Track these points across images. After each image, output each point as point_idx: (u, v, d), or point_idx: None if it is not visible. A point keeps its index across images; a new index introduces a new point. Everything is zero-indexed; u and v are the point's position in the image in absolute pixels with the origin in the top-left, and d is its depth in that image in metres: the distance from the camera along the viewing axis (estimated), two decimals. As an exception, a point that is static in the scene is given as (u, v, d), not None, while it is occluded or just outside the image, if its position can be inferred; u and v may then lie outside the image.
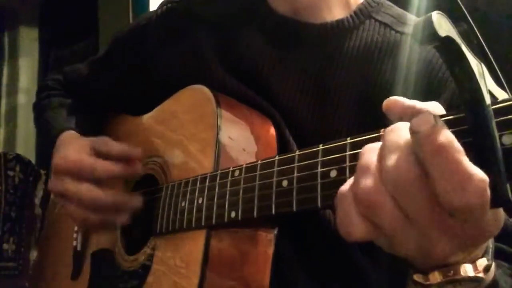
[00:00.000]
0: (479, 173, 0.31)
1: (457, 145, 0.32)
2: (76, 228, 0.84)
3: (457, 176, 0.31)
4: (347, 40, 0.69)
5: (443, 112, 0.38)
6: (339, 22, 0.70)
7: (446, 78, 0.65)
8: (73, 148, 0.71)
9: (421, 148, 0.32)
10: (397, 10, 0.73)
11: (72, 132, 0.80)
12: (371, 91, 0.66)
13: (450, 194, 0.32)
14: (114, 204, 0.66)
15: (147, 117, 0.79)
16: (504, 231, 0.58)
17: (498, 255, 0.57)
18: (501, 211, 0.35)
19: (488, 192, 0.32)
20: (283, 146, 0.65)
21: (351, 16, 0.70)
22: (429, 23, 0.33)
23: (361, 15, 0.71)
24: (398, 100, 0.39)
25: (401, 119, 0.38)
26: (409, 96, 0.64)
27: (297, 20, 0.71)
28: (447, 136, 0.32)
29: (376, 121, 0.64)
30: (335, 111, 0.67)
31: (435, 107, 0.38)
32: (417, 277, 0.39)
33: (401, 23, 0.70)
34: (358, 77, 0.67)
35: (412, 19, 0.71)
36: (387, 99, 0.39)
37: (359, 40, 0.69)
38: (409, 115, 0.37)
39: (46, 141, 0.84)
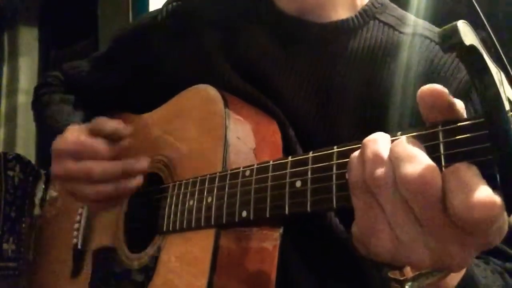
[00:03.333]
0: (487, 191, 0.33)
1: (471, 166, 0.34)
2: (79, 216, 0.82)
3: (466, 191, 0.34)
4: (351, 40, 0.70)
5: (464, 110, 0.38)
6: (344, 22, 0.70)
7: (448, 78, 0.66)
8: (71, 131, 0.70)
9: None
10: (400, 11, 0.74)
11: (73, 127, 0.77)
12: (375, 91, 0.67)
13: (457, 207, 0.34)
14: (124, 169, 0.65)
15: (151, 115, 0.79)
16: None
17: (495, 253, 0.58)
18: (506, 220, 0.36)
19: (496, 209, 0.33)
20: (287, 145, 0.65)
21: (356, 16, 0.71)
22: (455, 32, 0.34)
23: (366, 15, 0.71)
24: (437, 89, 0.38)
25: (434, 106, 0.38)
26: (411, 94, 0.65)
27: (302, 20, 0.71)
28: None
29: (379, 121, 0.66)
30: (339, 110, 0.68)
31: (462, 106, 0.39)
32: (393, 274, 0.40)
33: (403, 24, 0.71)
34: (361, 76, 0.68)
35: (414, 20, 0.72)
36: (424, 87, 0.38)
37: (363, 40, 0.70)
38: (444, 105, 0.38)
39: (50, 136, 0.81)
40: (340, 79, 0.68)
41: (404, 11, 0.75)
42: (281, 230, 0.59)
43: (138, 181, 0.66)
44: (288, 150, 0.65)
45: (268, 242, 0.58)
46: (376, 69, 0.68)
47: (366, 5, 0.73)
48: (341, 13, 0.72)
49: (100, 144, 0.65)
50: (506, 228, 0.36)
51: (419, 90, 0.38)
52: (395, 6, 0.75)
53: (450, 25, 0.35)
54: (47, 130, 0.84)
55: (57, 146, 0.68)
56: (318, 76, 0.69)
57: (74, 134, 0.68)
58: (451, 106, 0.37)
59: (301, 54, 0.71)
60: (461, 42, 0.34)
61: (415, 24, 0.71)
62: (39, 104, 0.93)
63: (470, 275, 0.43)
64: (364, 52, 0.69)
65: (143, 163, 0.66)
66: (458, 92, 0.64)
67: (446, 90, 0.37)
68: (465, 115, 0.38)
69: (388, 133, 0.41)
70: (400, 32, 0.70)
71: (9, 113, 2.83)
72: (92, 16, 2.46)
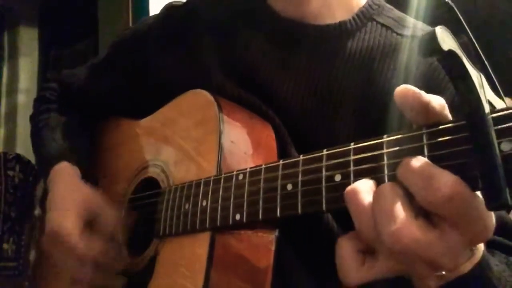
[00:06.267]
0: (442, 171, 0.36)
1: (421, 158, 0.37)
2: None
3: (422, 178, 0.36)
4: (349, 42, 0.70)
5: (445, 105, 0.40)
6: (342, 24, 0.70)
7: (447, 80, 0.66)
8: (66, 209, 0.70)
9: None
10: (398, 13, 0.74)
11: (66, 166, 0.78)
12: (372, 93, 0.67)
13: (421, 193, 0.36)
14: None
15: (147, 121, 0.79)
16: (505, 225, 0.60)
17: (497, 247, 0.59)
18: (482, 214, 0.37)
19: (461, 184, 0.36)
20: (282, 149, 0.66)
21: (353, 18, 0.71)
22: (433, 38, 0.35)
23: (363, 17, 0.71)
24: (409, 89, 0.40)
25: (412, 109, 0.40)
26: None
27: (299, 22, 0.71)
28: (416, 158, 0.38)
29: (376, 123, 0.66)
30: (336, 113, 0.68)
31: (440, 101, 0.40)
32: None
33: (402, 26, 0.71)
34: (359, 79, 0.68)
35: (412, 21, 0.72)
36: (399, 87, 0.40)
37: (361, 42, 0.70)
38: (419, 106, 0.39)
39: (40, 163, 0.85)
40: (338, 82, 0.68)
41: (401, 12, 0.75)
42: (276, 233, 0.59)
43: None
44: (283, 153, 0.65)
45: (263, 245, 0.58)
46: (374, 71, 0.68)
47: (364, 6, 0.72)
48: (338, 15, 0.71)
49: (89, 253, 0.68)
50: (485, 221, 0.37)
51: (394, 92, 0.40)
52: (391, 7, 0.75)
53: (428, 31, 0.36)
54: (39, 157, 0.87)
55: (51, 229, 0.69)
56: (315, 79, 0.69)
57: (70, 223, 0.68)
58: (426, 106, 0.39)
59: (298, 57, 0.70)
60: (439, 47, 0.35)
61: (414, 26, 0.71)
62: (36, 121, 0.93)
63: (486, 261, 0.44)
64: (362, 54, 0.69)
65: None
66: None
67: (418, 91, 0.39)
68: (447, 113, 0.40)
69: (380, 136, 0.42)
70: (398, 34, 0.70)
71: (9, 113, 2.84)
72: (92, 16, 2.47)
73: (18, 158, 2.20)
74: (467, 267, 0.41)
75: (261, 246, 0.58)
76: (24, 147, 2.65)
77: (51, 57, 2.82)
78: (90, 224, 0.70)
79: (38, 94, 0.99)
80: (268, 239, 0.58)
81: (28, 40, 2.89)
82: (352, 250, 0.41)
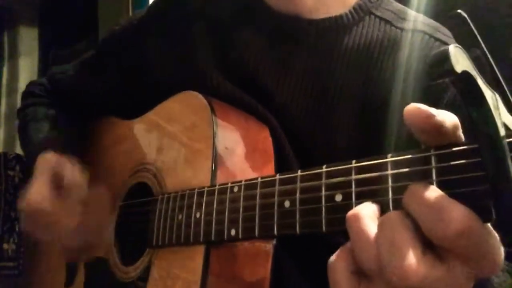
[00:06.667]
0: (453, 203, 0.33)
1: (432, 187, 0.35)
2: None
3: (431, 210, 0.34)
4: (346, 37, 0.68)
5: (459, 125, 0.37)
6: (337, 18, 0.68)
7: None
8: (37, 187, 0.71)
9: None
10: (397, 5, 0.72)
11: (50, 154, 0.76)
12: (372, 89, 0.65)
13: (429, 226, 0.34)
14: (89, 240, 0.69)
15: (138, 122, 0.77)
16: None
17: None
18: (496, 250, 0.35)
19: (473, 218, 0.33)
20: (280, 152, 0.64)
21: (350, 12, 0.69)
22: (445, 58, 0.31)
23: (361, 11, 0.69)
24: (421, 110, 0.35)
25: (424, 131, 0.36)
26: (410, 93, 0.64)
27: (294, 17, 0.69)
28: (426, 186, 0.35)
29: (376, 120, 0.64)
30: (334, 110, 0.66)
31: (454, 121, 0.36)
32: None
33: (401, 19, 0.69)
34: (357, 74, 0.66)
35: (413, 14, 0.70)
36: (410, 106, 0.36)
37: (358, 36, 0.68)
38: (432, 128, 0.36)
39: (27, 156, 0.84)
40: (334, 80, 0.66)
41: (400, 4, 0.72)
42: (274, 242, 0.58)
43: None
44: (280, 157, 0.64)
45: (261, 255, 0.57)
46: (373, 67, 0.66)
47: (361, 0, 0.70)
48: (334, 9, 0.69)
49: (64, 209, 0.68)
50: (495, 256, 0.35)
51: (404, 110, 0.36)
52: None
53: (440, 50, 0.32)
54: (26, 149, 0.86)
55: (27, 205, 0.69)
56: (312, 75, 0.67)
57: (40, 196, 0.69)
58: (440, 128, 0.35)
59: (293, 52, 0.69)
60: (452, 69, 0.31)
61: (415, 19, 0.69)
62: (23, 115, 0.92)
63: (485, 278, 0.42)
64: (360, 49, 0.67)
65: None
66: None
67: (432, 112, 0.35)
68: (460, 134, 0.37)
69: (384, 155, 0.40)
70: (397, 28, 0.68)
71: (9, 113, 2.83)
72: (92, 16, 2.46)
73: (18, 158, 2.20)
74: None
75: (259, 256, 0.57)
76: (24, 147, 2.65)
77: (51, 57, 2.81)
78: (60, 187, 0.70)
79: (27, 89, 0.97)
80: (265, 249, 0.57)
81: (28, 40, 2.88)
82: (346, 272, 0.38)
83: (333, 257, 0.39)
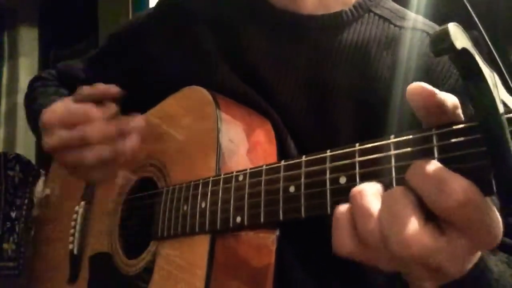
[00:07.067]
0: (454, 175, 0.34)
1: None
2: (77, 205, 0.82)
3: (434, 182, 0.35)
4: (345, 34, 0.68)
5: (458, 105, 0.38)
6: (337, 15, 0.69)
7: (445, 73, 0.65)
8: (57, 104, 0.66)
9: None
10: (393, 4, 0.73)
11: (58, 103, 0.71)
12: (370, 86, 0.66)
13: (432, 198, 0.35)
14: (119, 129, 0.62)
15: (143, 117, 0.77)
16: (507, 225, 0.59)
17: (499, 245, 0.58)
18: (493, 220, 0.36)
19: (474, 190, 0.34)
20: (282, 147, 0.65)
21: (349, 9, 0.70)
22: (445, 35, 0.33)
23: (360, 9, 0.70)
24: (424, 87, 0.37)
25: (426, 108, 0.37)
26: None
27: (295, 13, 0.70)
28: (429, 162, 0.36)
29: (377, 118, 0.65)
30: (333, 106, 0.67)
31: (454, 100, 0.38)
32: None
33: (400, 18, 0.70)
34: (356, 71, 0.67)
35: (412, 15, 0.71)
36: (413, 84, 0.38)
37: (357, 34, 0.68)
38: (433, 106, 0.37)
39: (32, 115, 0.81)
40: (333, 75, 0.67)
41: (400, 6, 0.73)
42: (277, 233, 0.58)
43: (133, 141, 0.63)
44: (282, 150, 0.64)
45: (265, 246, 0.58)
46: (371, 64, 0.66)
47: None
48: (334, 6, 0.70)
49: (90, 108, 0.63)
50: (495, 229, 0.36)
51: (407, 88, 0.38)
52: None
53: (440, 28, 0.34)
54: (35, 114, 0.80)
55: (46, 119, 0.64)
56: (311, 71, 0.68)
57: (62, 104, 0.65)
58: (441, 105, 0.37)
59: (293, 49, 0.69)
60: (452, 45, 0.33)
61: (415, 19, 0.70)
62: (32, 95, 0.90)
63: (484, 263, 0.43)
64: (358, 46, 0.67)
65: (138, 121, 0.64)
66: (458, 86, 0.63)
67: (434, 90, 0.37)
68: (459, 113, 0.38)
69: (386, 137, 0.41)
70: (396, 26, 0.69)
71: (9, 113, 2.84)
72: (92, 16, 2.47)
73: (18, 158, 2.20)
74: None
75: (263, 247, 0.57)
76: (24, 147, 2.65)
77: (51, 57, 2.82)
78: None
79: (34, 77, 0.97)
80: (269, 240, 0.57)
81: (28, 40, 2.89)
82: (348, 226, 0.40)
83: (338, 211, 0.40)
